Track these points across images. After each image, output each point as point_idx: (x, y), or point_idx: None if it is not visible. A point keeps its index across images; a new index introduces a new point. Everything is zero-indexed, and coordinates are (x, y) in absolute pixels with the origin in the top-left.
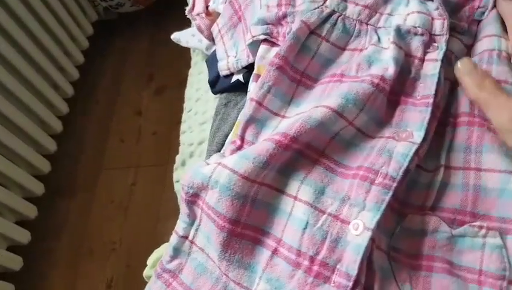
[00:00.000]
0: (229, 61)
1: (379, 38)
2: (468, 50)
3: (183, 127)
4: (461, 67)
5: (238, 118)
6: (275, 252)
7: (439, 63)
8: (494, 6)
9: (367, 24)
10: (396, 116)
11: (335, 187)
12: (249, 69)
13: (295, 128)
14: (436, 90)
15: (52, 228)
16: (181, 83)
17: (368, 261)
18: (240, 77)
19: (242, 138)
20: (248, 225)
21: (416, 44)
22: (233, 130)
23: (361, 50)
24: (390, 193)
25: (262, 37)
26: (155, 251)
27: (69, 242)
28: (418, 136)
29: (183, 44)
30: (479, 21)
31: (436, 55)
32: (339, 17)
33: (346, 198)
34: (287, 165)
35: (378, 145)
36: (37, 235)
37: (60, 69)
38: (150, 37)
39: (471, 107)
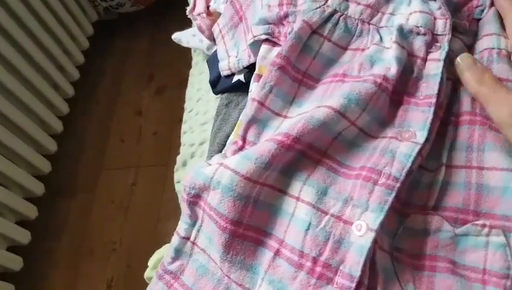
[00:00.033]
0: (230, 61)
1: (381, 38)
2: (469, 49)
3: (184, 127)
4: (461, 62)
5: (240, 119)
6: (277, 253)
7: (441, 63)
8: (492, 4)
9: (369, 23)
10: (398, 116)
11: (337, 188)
12: (250, 69)
13: (297, 129)
14: (439, 90)
15: (53, 228)
16: (181, 82)
17: (370, 262)
18: (241, 77)
19: (244, 139)
20: (250, 226)
21: (418, 44)
22: (234, 130)
23: (363, 50)
24: (394, 194)
25: (263, 37)
26: (156, 252)
27: (69, 242)
28: (421, 136)
29: (184, 44)
30: (479, 20)
31: (438, 55)
32: (340, 16)
33: (349, 199)
34: (289, 166)
35: (380, 145)
36: (37, 235)
37: (60, 69)
38: (150, 37)
39: (473, 106)
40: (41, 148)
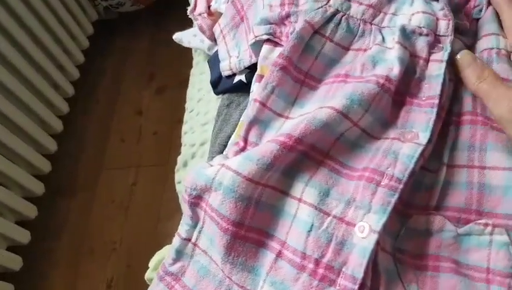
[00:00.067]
0: (231, 61)
1: (383, 38)
2: (469, 50)
3: (185, 127)
4: (461, 60)
5: (241, 119)
6: (279, 255)
7: (444, 64)
8: (490, 3)
9: (371, 24)
10: (401, 117)
11: (340, 189)
12: (251, 69)
13: (300, 130)
14: (441, 91)
15: (53, 227)
16: (182, 82)
17: (372, 264)
18: (242, 77)
19: (245, 139)
20: (252, 228)
21: (421, 44)
22: (235, 131)
23: (365, 50)
24: (397, 195)
25: (265, 37)
26: (157, 253)
27: (69, 242)
28: (424, 137)
29: (185, 44)
30: (477, 20)
31: (441, 56)
32: (342, 16)
33: (351, 200)
34: (292, 167)
35: (383, 146)
36: (37, 235)
37: (60, 68)
38: (150, 36)
39: (474, 106)
40: (41, 148)
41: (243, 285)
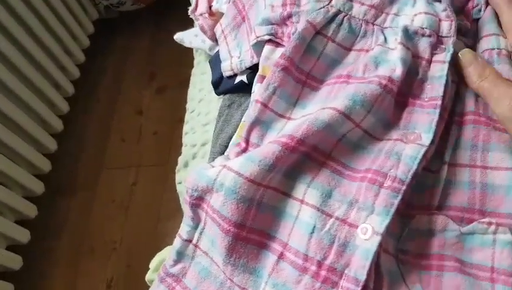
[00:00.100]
0: (233, 62)
1: (385, 39)
2: None
3: (186, 128)
4: (462, 58)
5: (242, 120)
6: (281, 256)
7: (446, 65)
8: (488, 3)
9: (373, 24)
10: (403, 118)
11: (342, 190)
12: (252, 70)
13: (302, 131)
14: (444, 92)
15: (53, 227)
16: (182, 82)
17: (375, 266)
18: (243, 77)
19: (247, 140)
20: (253, 229)
21: (423, 45)
22: (237, 132)
23: (367, 51)
24: (400, 197)
25: (266, 37)
26: (157, 254)
27: (69, 241)
28: (427, 138)
29: (187, 44)
30: (477, 20)
31: (443, 57)
32: (344, 17)
33: (354, 201)
34: (294, 168)
35: (386, 147)
36: (37, 234)
37: (60, 67)
38: (151, 35)
39: (476, 106)
40: (42, 147)
41: (245, 287)
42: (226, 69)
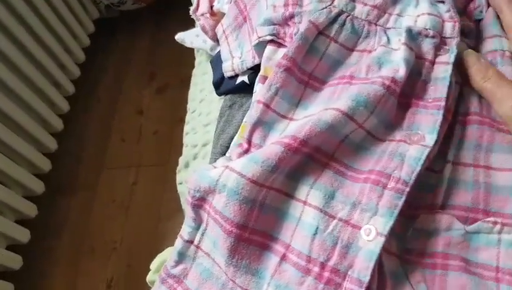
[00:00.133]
0: (234, 62)
1: (388, 39)
2: None
3: (187, 128)
4: (465, 59)
5: (244, 120)
6: (283, 258)
7: (450, 66)
8: (489, 4)
9: (376, 24)
10: (407, 119)
11: (345, 191)
12: (254, 70)
13: (305, 131)
14: (448, 93)
15: (53, 226)
16: (182, 82)
17: (378, 267)
18: (245, 78)
19: (249, 141)
20: (256, 230)
21: (427, 46)
22: (238, 132)
23: (370, 51)
24: (404, 198)
25: (268, 37)
26: (158, 255)
27: (69, 240)
28: (431, 139)
29: (188, 44)
30: (479, 21)
31: (447, 58)
32: (347, 17)
33: (357, 203)
34: (296, 169)
35: (389, 148)
36: (37, 234)
37: (61, 66)
38: (151, 35)
39: (480, 107)
40: (42, 147)
41: (247, 288)
42: (228, 69)
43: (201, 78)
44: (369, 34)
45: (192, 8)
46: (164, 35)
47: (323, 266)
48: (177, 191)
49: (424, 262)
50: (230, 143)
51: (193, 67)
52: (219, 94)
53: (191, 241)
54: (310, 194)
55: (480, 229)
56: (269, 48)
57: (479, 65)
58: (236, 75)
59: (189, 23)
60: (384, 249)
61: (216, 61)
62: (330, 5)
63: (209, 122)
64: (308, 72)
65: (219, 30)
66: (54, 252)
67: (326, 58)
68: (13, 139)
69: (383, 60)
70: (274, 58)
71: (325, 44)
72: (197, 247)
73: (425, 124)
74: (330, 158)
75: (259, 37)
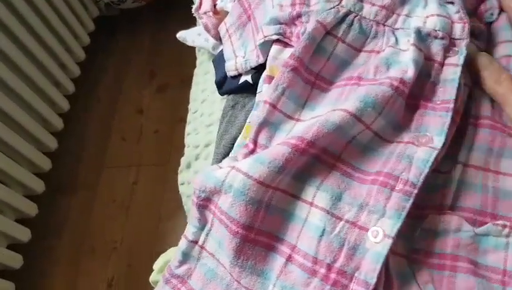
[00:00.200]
0: (237, 61)
1: (397, 40)
2: None
3: (188, 128)
4: (477, 61)
5: (248, 121)
6: (289, 259)
7: (459, 68)
8: (502, 9)
9: (384, 25)
10: (415, 121)
11: (352, 193)
12: (257, 69)
13: (312, 132)
14: (457, 96)
15: (53, 226)
16: (183, 81)
17: (384, 268)
18: (248, 77)
19: (255, 142)
20: (262, 231)
21: (436, 48)
22: (242, 133)
23: (378, 52)
24: (411, 200)
25: (274, 37)
26: (161, 255)
27: (70, 240)
28: (439, 141)
29: (189, 43)
30: (490, 24)
31: (456, 59)
32: (355, 17)
33: (364, 204)
34: (303, 170)
35: (397, 150)
36: (37, 233)
37: (61, 65)
38: (151, 34)
39: (493, 112)
40: (42, 146)
41: (252, 289)
42: (231, 68)
43: (203, 77)
44: (377, 35)
45: (194, 7)
46: (164, 34)
47: (329, 267)
48: (177, 191)
49: (432, 262)
50: (233, 144)
51: (193, 66)
52: (221, 94)
53: (195, 242)
54: (316, 196)
55: (490, 232)
56: (275, 47)
57: (492, 69)
58: (240, 75)
59: (189, 23)
60: (390, 250)
61: (218, 61)
62: (338, 4)
63: (212, 122)
64: (315, 72)
65: (222, 29)
66: (55, 252)
67: (334, 58)
68: (13, 138)
69: (391, 61)
70: (280, 58)
71: (332, 44)
72: (202, 247)
73: (433, 126)
74: (337, 159)
75: (265, 36)
